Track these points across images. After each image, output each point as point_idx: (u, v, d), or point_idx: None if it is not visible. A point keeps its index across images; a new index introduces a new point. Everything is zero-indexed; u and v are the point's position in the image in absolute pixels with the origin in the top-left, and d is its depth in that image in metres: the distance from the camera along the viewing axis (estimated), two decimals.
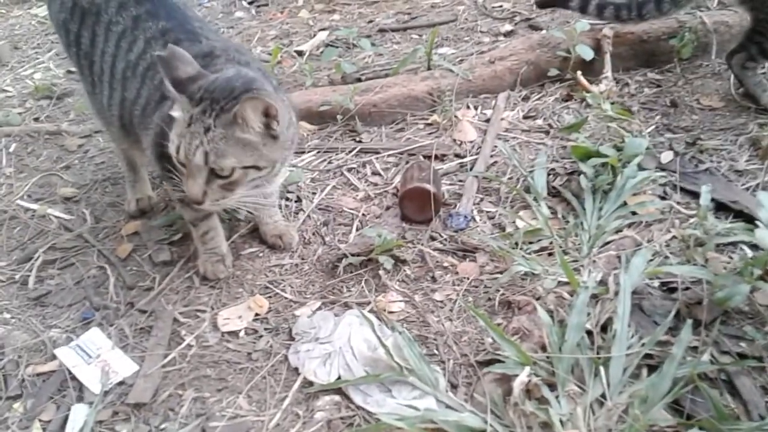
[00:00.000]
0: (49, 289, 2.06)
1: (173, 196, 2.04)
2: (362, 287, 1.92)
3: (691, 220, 1.94)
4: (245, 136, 1.57)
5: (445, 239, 2.06)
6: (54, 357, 1.79)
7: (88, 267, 2.13)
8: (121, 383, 1.71)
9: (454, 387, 1.59)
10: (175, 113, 1.61)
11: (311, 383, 1.63)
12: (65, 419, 1.62)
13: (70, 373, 1.74)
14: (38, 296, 2.03)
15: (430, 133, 2.60)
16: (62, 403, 1.67)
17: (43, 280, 2.11)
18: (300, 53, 3.35)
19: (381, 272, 1.94)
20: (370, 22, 3.69)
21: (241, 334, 1.82)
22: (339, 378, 1.63)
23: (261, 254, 2.10)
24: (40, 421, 1.63)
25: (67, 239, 2.26)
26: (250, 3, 4.35)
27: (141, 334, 1.87)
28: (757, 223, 1.59)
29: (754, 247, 1.73)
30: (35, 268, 2.13)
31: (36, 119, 3.12)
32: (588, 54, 2.68)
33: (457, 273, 1.94)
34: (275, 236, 2.11)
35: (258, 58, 2.94)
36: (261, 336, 1.80)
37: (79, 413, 1.62)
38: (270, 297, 1.93)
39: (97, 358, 1.77)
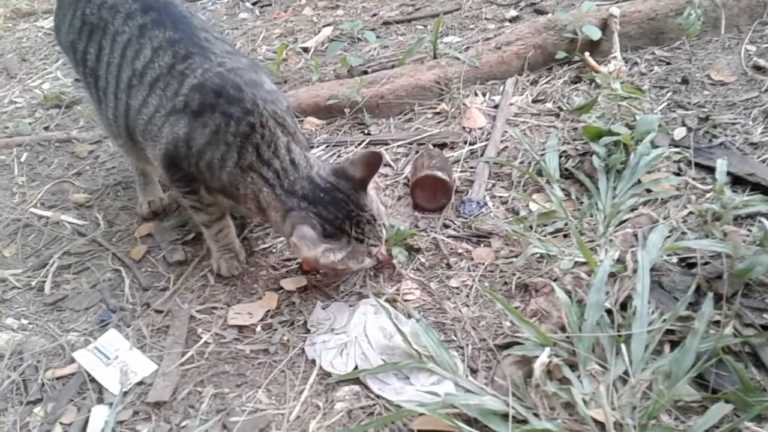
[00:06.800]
0: (65, 293, 2.06)
1: (184, 203, 2.04)
2: (377, 278, 1.91)
3: (708, 195, 1.90)
4: None
5: (459, 226, 2.05)
6: (73, 360, 1.79)
7: (103, 270, 2.13)
8: (140, 383, 1.70)
9: (473, 372, 1.57)
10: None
11: (329, 374, 1.62)
12: (86, 421, 1.61)
13: (89, 375, 1.74)
14: (55, 301, 2.03)
15: (439, 122, 2.58)
16: (82, 405, 1.67)
17: (59, 285, 2.11)
18: (305, 50, 3.34)
19: (395, 262, 1.92)
20: (374, 15, 3.67)
21: (258, 329, 1.81)
22: (356, 368, 1.61)
23: (274, 249, 2.10)
24: (61, 424, 1.62)
25: (82, 244, 2.26)
26: (253, 4, 4.35)
27: (158, 333, 1.86)
28: None
29: None
30: (51, 274, 2.14)
31: (46, 128, 3.13)
32: (596, 34, 2.65)
33: (472, 259, 1.92)
34: None
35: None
36: (276, 329, 1.79)
37: (99, 414, 1.62)
38: (284, 291, 1.92)
39: (115, 359, 1.77)
